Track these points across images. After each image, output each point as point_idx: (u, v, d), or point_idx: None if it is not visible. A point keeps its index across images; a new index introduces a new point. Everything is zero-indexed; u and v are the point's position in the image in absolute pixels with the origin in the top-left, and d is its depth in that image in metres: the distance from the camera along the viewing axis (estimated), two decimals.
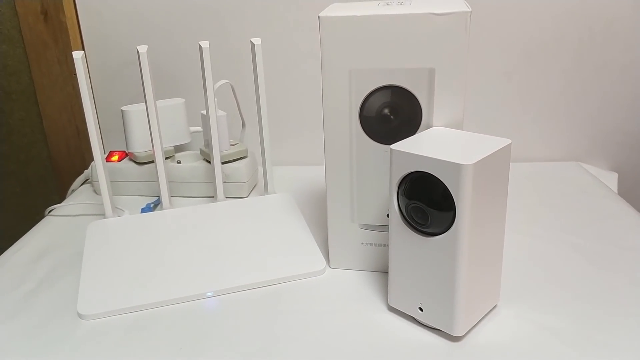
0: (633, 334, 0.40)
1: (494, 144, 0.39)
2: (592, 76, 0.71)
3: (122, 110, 0.67)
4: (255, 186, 0.70)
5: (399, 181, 0.40)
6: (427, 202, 0.38)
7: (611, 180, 0.71)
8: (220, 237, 0.54)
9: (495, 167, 0.38)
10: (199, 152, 0.69)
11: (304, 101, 0.75)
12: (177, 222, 0.57)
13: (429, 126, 0.44)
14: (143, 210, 0.63)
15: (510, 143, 0.39)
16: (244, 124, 0.72)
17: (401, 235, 0.41)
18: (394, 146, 0.39)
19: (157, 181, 0.61)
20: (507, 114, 0.73)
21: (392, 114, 0.44)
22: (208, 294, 0.47)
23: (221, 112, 0.65)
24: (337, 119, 0.45)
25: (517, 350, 0.39)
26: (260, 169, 0.70)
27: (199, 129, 0.71)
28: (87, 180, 0.75)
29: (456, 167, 0.35)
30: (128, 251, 0.52)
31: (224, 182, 0.64)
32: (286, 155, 0.77)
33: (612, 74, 0.70)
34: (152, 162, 0.66)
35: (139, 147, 0.67)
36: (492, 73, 0.72)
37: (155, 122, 0.58)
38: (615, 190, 0.69)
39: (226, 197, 0.64)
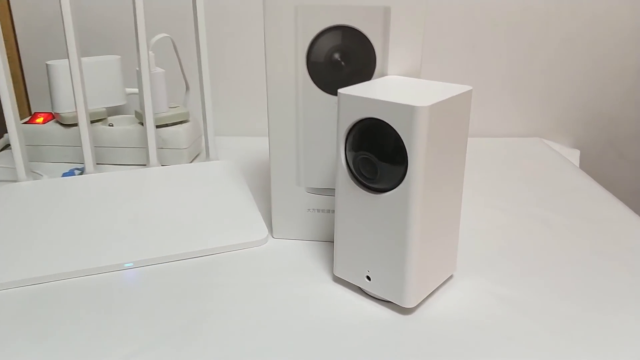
0: (596, 304, 0.36)
1: (453, 89, 0.34)
2: (558, 50, 0.68)
3: (46, 65, 0.59)
4: (198, 155, 0.64)
5: (347, 131, 0.35)
6: (376, 154, 0.33)
7: (573, 157, 0.68)
8: (149, 204, 0.48)
9: (453, 114, 0.33)
10: (134, 115, 0.62)
11: (257, 66, 0.69)
12: (100, 187, 0.50)
13: (383, 75, 0.39)
14: (65, 175, 0.56)
15: (471, 89, 0.35)
16: (187, 87, 0.65)
17: (348, 192, 0.36)
18: (342, 90, 0.34)
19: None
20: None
21: (343, 59, 0.39)
22: (126, 265, 0.41)
23: (158, 69, 0.58)
24: (280, 64, 0.40)
25: (474, 323, 0.35)
26: None
27: (137, 90, 0.64)
28: (8, 145, 0.67)
29: (409, 110, 0.31)
30: (38, 217, 0.45)
31: (161, 147, 0.58)
32: (236, 124, 0.71)
33: (577, 48, 0.68)
34: None
35: (65, 106, 0.60)
36: (455, 43, 0.68)
37: (78, 73, 0.51)
38: (578, 166, 0.67)
39: (163, 166, 0.57)
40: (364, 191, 0.35)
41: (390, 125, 0.32)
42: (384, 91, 0.34)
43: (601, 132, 0.71)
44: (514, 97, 0.70)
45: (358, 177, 0.35)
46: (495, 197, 0.53)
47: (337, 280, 0.39)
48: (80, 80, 0.52)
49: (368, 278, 0.36)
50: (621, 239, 0.45)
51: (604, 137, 0.72)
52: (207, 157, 0.57)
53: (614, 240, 0.45)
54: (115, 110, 0.64)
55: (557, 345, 0.33)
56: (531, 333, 0.34)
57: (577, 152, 0.70)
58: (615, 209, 0.51)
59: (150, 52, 0.56)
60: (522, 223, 0.48)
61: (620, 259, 0.42)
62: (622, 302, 0.37)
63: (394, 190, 0.33)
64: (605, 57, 0.68)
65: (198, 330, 0.34)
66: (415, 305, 0.35)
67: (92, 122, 0.60)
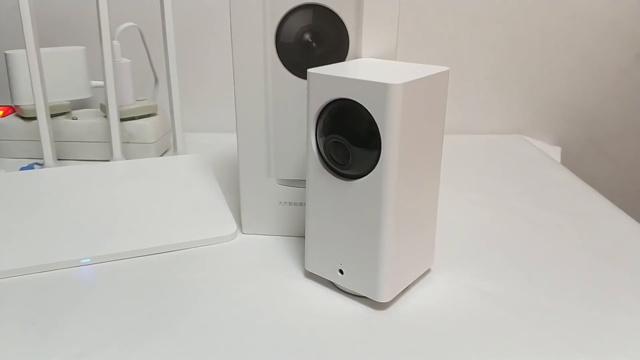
0: (579, 298, 0.34)
1: (428, 70, 0.32)
2: (538, 47, 0.67)
3: (5, 54, 0.56)
4: (167, 151, 0.61)
5: (318, 114, 0.32)
6: (349, 138, 0.31)
7: (554, 154, 0.67)
8: (112, 198, 0.45)
9: (429, 95, 0.31)
10: (99, 108, 0.59)
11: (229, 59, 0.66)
12: (60, 181, 0.47)
13: (357, 57, 0.37)
14: (23, 169, 0.52)
15: (448, 70, 0.33)
16: (156, 80, 0.63)
17: (320, 180, 0.33)
18: (312, 70, 0.32)
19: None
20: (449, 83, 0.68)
21: (314, 40, 0.37)
22: (83, 261, 0.38)
23: (124, 60, 0.55)
24: (248, 46, 0.37)
25: (452, 318, 0.32)
26: None
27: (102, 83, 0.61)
28: None
29: (382, 89, 0.29)
30: None
31: (126, 142, 0.55)
32: (208, 121, 0.68)
33: (558, 45, 0.67)
34: None
35: (25, 99, 0.57)
36: (434, 39, 0.67)
37: (35, 62, 0.48)
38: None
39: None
40: (336, 178, 0.32)
41: (362, 106, 0.30)
42: (356, 71, 0.32)
43: (582, 130, 0.71)
44: (495, 94, 0.69)
45: (329, 163, 0.33)
46: (475, 192, 0.51)
47: (309, 275, 0.37)
48: (39, 70, 0.49)
49: (341, 272, 0.34)
50: (604, 233, 0.43)
51: (585, 134, 0.71)
52: (175, 152, 0.55)
53: (597, 234, 0.43)
54: (81, 104, 0.61)
55: (538, 340, 0.31)
56: (511, 327, 0.32)
57: (559, 149, 0.69)
58: (597, 203, 0.50)
59: (115, 42, 0.53)
60: (503, 217, 0.46)
61: (603, 253, 0.40)
62: (605, 296, 0.35)
63: (367, 176, 0.31)
64: (586, 54, 0.68)
65: (155, 328, 0.31)
66: (390, 299, 0.33)
67: (55, 115, 0.57)
